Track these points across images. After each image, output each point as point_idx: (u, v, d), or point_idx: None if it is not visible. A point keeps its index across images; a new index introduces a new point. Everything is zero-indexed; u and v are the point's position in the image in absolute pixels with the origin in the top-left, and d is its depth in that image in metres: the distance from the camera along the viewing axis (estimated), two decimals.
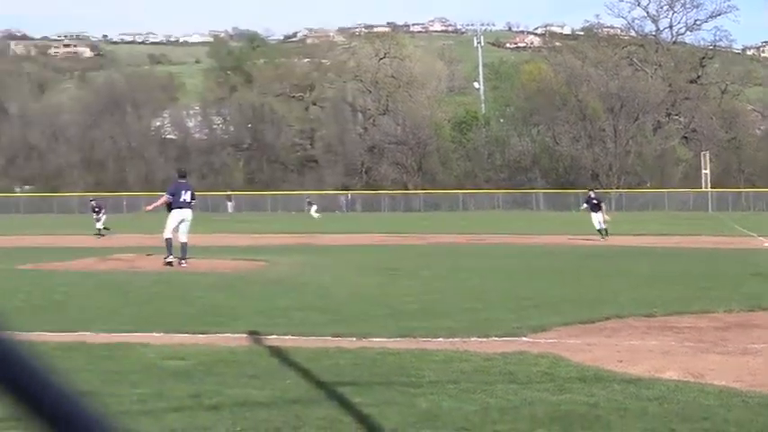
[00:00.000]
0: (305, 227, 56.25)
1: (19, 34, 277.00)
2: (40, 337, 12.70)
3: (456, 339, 12.68)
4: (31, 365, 0.60)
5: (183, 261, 25.90)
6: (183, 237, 26.23)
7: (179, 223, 26.26)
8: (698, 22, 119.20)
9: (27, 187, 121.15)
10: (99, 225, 47.75)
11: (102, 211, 48.43)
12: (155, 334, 13.18)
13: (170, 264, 25.82)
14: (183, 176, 27.65)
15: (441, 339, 12.73)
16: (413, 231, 50.01)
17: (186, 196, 26.41)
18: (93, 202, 51.45)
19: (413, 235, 46.58)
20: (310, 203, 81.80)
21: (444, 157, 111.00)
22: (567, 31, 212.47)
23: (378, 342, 12.40)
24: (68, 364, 10.77)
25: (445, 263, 27.24)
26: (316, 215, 73.68)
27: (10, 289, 19.74)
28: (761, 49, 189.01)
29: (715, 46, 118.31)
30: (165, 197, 26.86)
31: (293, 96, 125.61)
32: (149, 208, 27.71)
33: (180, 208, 26.30)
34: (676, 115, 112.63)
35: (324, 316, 15.23)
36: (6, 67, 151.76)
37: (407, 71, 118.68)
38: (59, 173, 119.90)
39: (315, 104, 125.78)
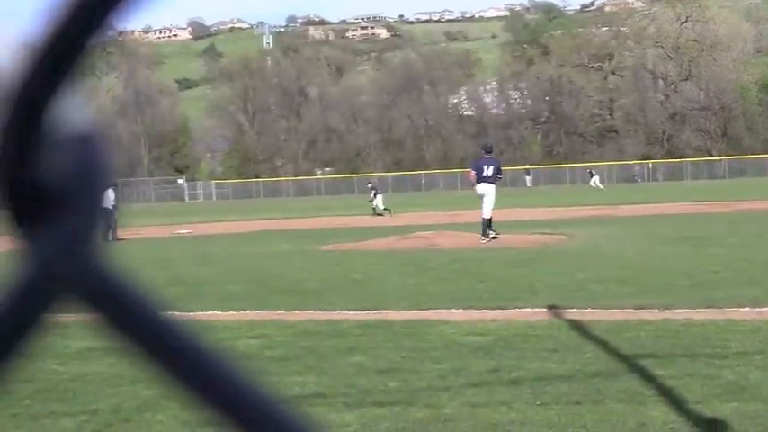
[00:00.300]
0: (603, 199, 55.32)
1: (317, 20, 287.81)
2: (340, 316, 12.97)
3: (764, 309, 12.00)
4: (200, 348, 0.57)
5: (483, 237, 25.90)
6: (485, 212, 26.25)
7: (481, 198, 26.34)
8: None
9: (327, 169, 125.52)
10: (376, 204, 48.56)
11: (376, 192, 49.29)
12: (454, 310, 13.16)
13: (494, 238, 25.92)
14: (488, 151, 27.72)
15: (747, 309, 12.07)
16: (717, 199, 48.20)
17: (488, 171, 26.42)
18: (369, 185, 52.45)
19: (717, 202, 44.85)
20: (592, 174, 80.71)
21: (750, 122, 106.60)
22: None
23: (681, 313, 11.90)
24: (369, 341, 10.92)
25: (752, 230, 25.98)
26: (599, 186, 72.56)
27: (311, 269, 20.33)
28: None
29: None
30: (471, 173, 27.09)
31: (591, 66, 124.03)
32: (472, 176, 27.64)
33: (482, 183, 26.37)
34: None
35: (624, 288, 14.77)
36: (306, 53, 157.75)
37: (711, 34, 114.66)
38: (358, 154, 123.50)
39: (614, 74, 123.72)
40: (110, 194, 32.22)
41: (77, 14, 0.55)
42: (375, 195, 48.68)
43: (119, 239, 32.11)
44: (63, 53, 0.55)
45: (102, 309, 0.58)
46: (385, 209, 47.98)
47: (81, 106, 0.58)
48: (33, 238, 0.57)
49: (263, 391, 0.58)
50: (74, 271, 0.58)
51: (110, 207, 31.72)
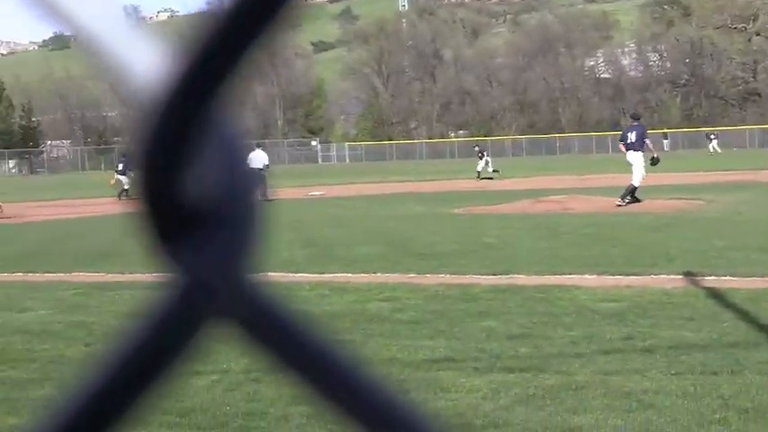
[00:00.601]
0: (746, 163, 53.87)
1: None
2: (472, 280, 12.90)
3: None
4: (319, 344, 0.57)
5: (620, 200, 25.56)
6: (633, 180, 25.92)
7: (630, 166, 26.09)
8: None
9: (461, 132, 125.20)
10: (483, 167, 48.29)
11: (485, 155, 48.99)
12: (587, 276, 12.97)
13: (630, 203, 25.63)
14: (635, 118, 27.85)
15: None
16: None
17: (632, 137, 26.15)
18: (476, 148, 52.32)
19: None
20: (710, 137, 79.26)
21: None
22: None
23: None
24: (500, 306, 10.83)
25: None
26: (717, 149, 71.11)
27: (443, 232, 20.29)
28: None
29: None
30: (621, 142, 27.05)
31: (734, 28, 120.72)
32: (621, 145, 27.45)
33: (629, 150, 26.16)
34: None
35: (766, 255, 14.33)
36: (442, 16, 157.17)
37: None
38: (492, 116, 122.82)
39: (758, 35, 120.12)
40: (261, 155, 32.92)
41: (237, 21, 0.53)
42: (482, 158, 48.64)
43: (268, 200, 32.53)
44: (220, 61, 0.53)
45: (255, 332, 0.57)
46: (494, 171, 47.84)
47: (231, 116, 0.55)
48: (181, 255, 0.55)
49: (412, 411, 0.58)
50: (224, 290, 0.56)
51: (261, 168, 32.24)
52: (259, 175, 32.16)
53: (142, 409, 0.54)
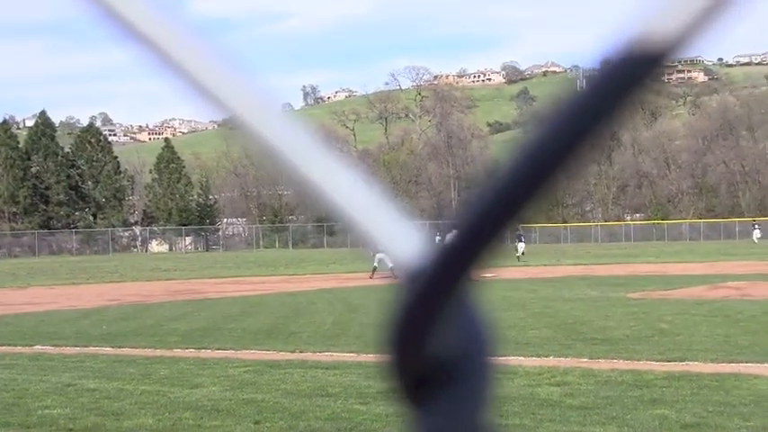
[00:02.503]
0: None
1: None
2: (645, 366, 12.65)
3: None
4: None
5: None
6: None
7: None
8: None
9: (637, 215, 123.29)
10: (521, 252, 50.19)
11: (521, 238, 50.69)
12: (766, 365, 12.55)
13: None
14: None
15: None
16: None
17: None
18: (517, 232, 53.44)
19: None
20: (754, 226, 77.06)
21: None
22: None
23: None
24: (674, 393, 10.60)
25: None
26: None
27: (617, 317, 19.99)
28: None
29: None
30: None
31: None
32: None
33: None
34: None
35: None
36: None
37: None
38: (669, 200, 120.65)
39: None
40: None
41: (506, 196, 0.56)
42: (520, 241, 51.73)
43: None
44: (485, 236, 0.57)
45: None
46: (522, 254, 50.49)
47: (479, 292, 0.59)
48: (425, 411, 0.59)
49: None
50: None
51: None
52: None
53: None
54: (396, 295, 0.57)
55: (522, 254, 53.04)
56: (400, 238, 0.60)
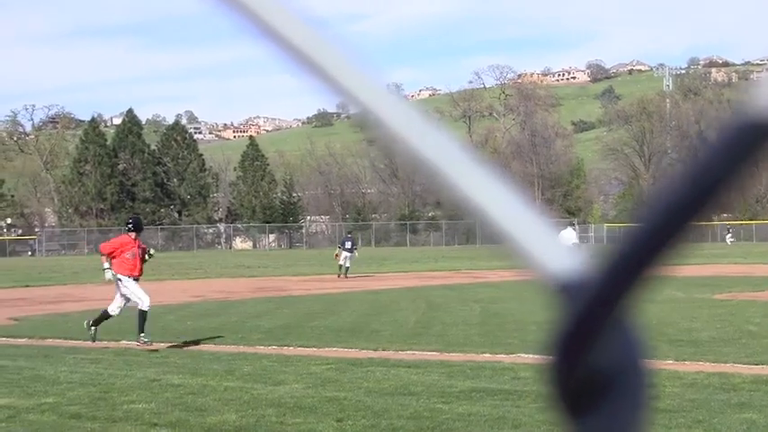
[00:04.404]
0: None
1: (720, 61, 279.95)
2: (733, 369, 12.42)
3: None
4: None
5: None
6: None
7: None
8: None
9: (724, 215, 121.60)
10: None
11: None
12: None
13: None
14: None
15: None
16: None
17: None
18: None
19: None
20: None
21: None
22: None
23: None
24: (763, 397, 10.41)
25: None
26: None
27: (703, 318, 19.70)
28: None
29: None
30: None
31: None
32: None
33: None
34: None
35: None
36: (707, 96, 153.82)
37: None
38: (758, 200, 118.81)
39: None
40: (570, 234, 34.44)
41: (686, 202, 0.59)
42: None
43: None
44: (638, 272, 0.60)
45: None
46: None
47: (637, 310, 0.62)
48: (584, 421, 0.60)
49: None
50: None
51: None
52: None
53: None
54: (561, 305, 0.59)
55: None
56: (553, 250, 0.62)
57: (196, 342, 17.15)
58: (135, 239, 17.34)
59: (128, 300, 17.07)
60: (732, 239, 78.28)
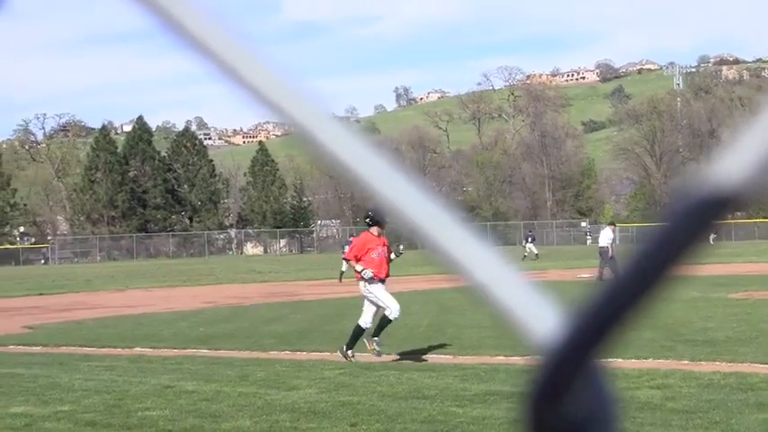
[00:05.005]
0: None
1: (731, 59, 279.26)
2: (750, 369, 12.35)
3: None
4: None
5: None
6: None
7: None
8: None
9: (738, 213, 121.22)
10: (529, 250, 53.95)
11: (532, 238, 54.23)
12: None
13: None
14: None
15: None
16: None
17: None
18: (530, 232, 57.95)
19: None
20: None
21: None
22: None
23: None
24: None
25: None
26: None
27: (719, 318, 19.62)
28: None
29: None
30: None
31: None
32: None
33: None
34: None
35: None
36: (718, 94, 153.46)
37: None
38: None
39: None
40: (608, 233, 34.11)
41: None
42: (529, 241, 53.88)
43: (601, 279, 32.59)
44: (611, 327, 0.63)
45: None
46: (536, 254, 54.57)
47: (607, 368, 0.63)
48: None
49: None
50: None
51: (604, 245, 33.84)
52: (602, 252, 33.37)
53: None
54: (533, 364, 0.61)
55: (537, 256, 54.36)
56: (533, 310, 0.63)
57: (209, 348, 17.12)
58: (379, 236, 15.14)
59: (378, 306, 15.21)
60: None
